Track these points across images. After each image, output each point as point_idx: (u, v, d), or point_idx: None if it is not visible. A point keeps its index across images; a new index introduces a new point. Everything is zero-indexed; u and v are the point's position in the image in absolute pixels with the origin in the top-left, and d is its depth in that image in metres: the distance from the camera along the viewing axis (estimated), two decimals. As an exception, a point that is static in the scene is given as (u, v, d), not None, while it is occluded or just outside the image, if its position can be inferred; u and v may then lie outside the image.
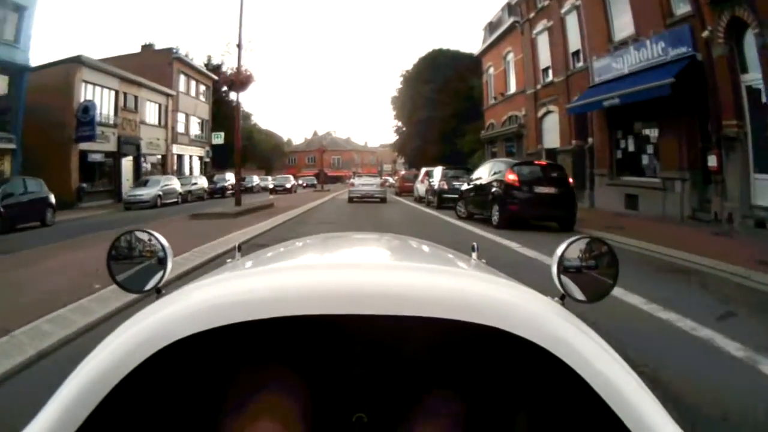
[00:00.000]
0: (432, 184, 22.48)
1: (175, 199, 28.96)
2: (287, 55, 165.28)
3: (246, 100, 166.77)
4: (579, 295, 1.12)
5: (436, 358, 1.06)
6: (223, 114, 51.37)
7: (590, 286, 1.14)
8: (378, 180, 30.02)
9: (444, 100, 38.01)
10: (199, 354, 0.94)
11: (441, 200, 20.63)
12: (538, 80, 23.98)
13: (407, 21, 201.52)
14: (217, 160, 48.26)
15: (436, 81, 38.95)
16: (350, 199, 25.67)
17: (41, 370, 3.76)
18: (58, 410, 0.77)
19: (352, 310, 0.84)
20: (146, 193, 26.55)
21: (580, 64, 20.33)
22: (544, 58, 23.28)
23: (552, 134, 22.69)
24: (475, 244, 1.88)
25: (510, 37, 27.05)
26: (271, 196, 33.14)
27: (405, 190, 33.46)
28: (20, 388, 3.40)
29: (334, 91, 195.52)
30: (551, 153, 22.45)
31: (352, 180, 32.10)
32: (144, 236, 1.24)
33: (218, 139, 47.78)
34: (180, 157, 42.31)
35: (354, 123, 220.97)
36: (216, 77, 50.03)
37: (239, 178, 21.46)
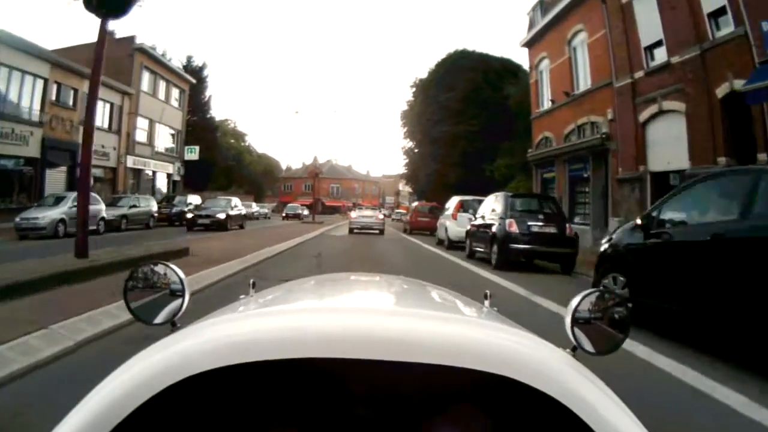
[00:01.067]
0: (480, 222, 13.71)
1: (94, 226, 20.31)
2: (291, 80, 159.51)
3: (239, 117, 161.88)
4: (589, 347, 1.12)
5: (443, 406, 1.01)
6: (202, 125, 43.46)
7: (601, 338, 1.14)
8: (377, 213, 28.85)
9: (469, 112, 29.91)
10: (208, 391, 0.92)
11: (506, 253, 11.51)
12: (638, 64, 15.76)
13: (417, 45, 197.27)
14: (193, 180, 40.18)
15: (458, 88, 30.91)
16: (350, 230, 25.55)
17: None
18: None
19: (365, 355, 0.85)
20: (43, 217, 18.12)
21: (730, 29, 12.23)
22: (649, 29, 15.15)
23: (671, 148, 14.29)
24: (487, 291, 1.84)
25: (581, 10, 18.99)
26: (208, 235, 20.16)
27: (418, 226, 26.14)
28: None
29: (337, 119, 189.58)
30: (663, 178, 14.16)
31: (351, 212, 31.01)
32: (161, 269, 1.25)
33: (192, 153, 39.90)
34: (138, 172, 34.10)
35: (357, 152, 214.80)
36: (195, 80, 43.19)
37: (83, 201, 9.01)
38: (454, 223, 17.23)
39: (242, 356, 0.84)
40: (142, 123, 34.54)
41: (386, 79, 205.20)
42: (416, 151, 38.55)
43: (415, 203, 29.33)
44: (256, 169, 66.19)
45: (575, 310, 1.14)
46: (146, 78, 35.33)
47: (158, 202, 28.11)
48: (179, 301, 1.22)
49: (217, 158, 49.58)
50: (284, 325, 0.94)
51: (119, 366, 0.90)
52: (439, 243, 19.05)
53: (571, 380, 0.85)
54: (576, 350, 1.11)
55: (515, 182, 25.39)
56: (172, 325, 1.15)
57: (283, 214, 54.02)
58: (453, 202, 18.52)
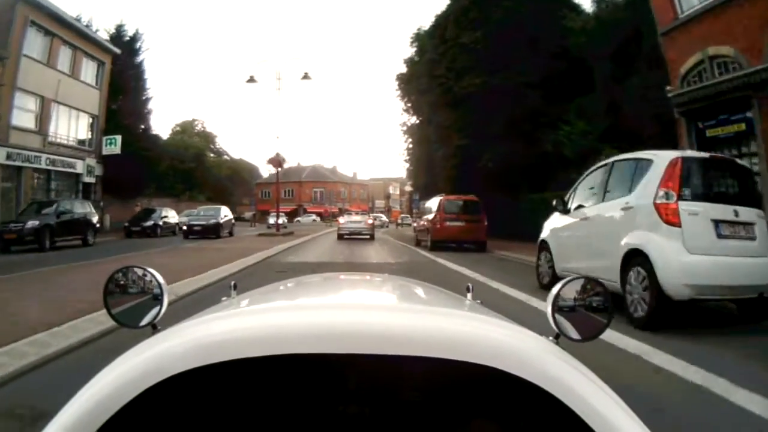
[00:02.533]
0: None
1: None
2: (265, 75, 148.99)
3: (208, 117, 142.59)
4: (573, 333, 1.13)
5: (430, 398, 1.01)
6: (127, 110, 32.39)
7: (584, 325, 1.14)
8: (366, 218, 27.92)
9: (513, 56, 19.03)
10: (193, 391, 0.91)
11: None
12: None
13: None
14: (122, 182, 29.27)
15: (492, 21, 19.86)
16: (339, 237, 24.31)
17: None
18: None
19: (347, 349, 0.85)
20: None
21: None
22: None
23: None
24: (469, 285, 1.82)
25: None
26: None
27: (448, 236, 16.24)
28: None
29: (321, 120, 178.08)
30: None
31: (339, 218, 29.65)
32: (140, 272, 1.25)
33: (112, 146, 28.90)
34: (17, 171, 23.11)
35: (342, 153, 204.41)
36: (119, 51, 32.21)
37: None
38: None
39: (222, 355, 0.84)
40: (24, 101, 23.63)
41: (375, 71, 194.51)
42: (418, 123, 27.60)
43: (438, 198, 17.85)
44: (222, 173, 55.09)
45: (556, 297, 1.14)
46: (36, 39, 24.49)
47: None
48: (159, 304, 1.21)
49: (162, 156, 38.66)
50: (262, 322, 0.95)
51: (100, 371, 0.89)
52: (544, 287, 8.31)
53: (554, 367, 0.86)
54: (559, 338, 1.11)
55: (604, 154, 13.91)
56: (153, 327, 1.15)
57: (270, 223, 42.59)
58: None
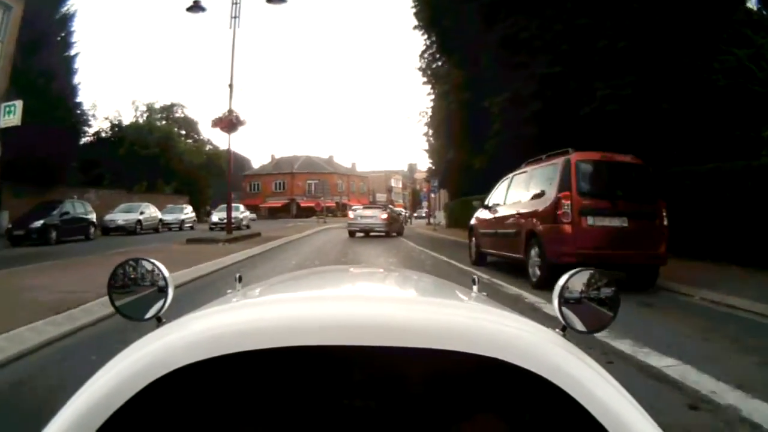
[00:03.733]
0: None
1: None
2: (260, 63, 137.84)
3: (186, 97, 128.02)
4: (580, 326, 1.12)
5: (436, 390, 1.01)
6: (42, 68, 23.68)
7: (591, 318, 1.14)
8: (379, 213, 22.51)
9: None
10: (198, 384, 0.92)
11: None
12: None
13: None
14: (27, 163, 20.79)
15: None
16: (351, 234, 21.56)
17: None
18: None
19: (353, 341, 0.85)
20: None
21: None
22: None
23: None
24: (475, 277, 1.73)
25: None
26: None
27: (579, 248, 7.27)
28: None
29: (316, 108, 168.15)
30: None
31: (349, 212, 25.70)
32: (146, 265, 1.23)
33: (9, 115, 20.26)
34: None
35: (338, 143, 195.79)
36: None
37: None
38: None
39: (228, 347, 0.83)
40: None
41: (376, 57, 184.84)
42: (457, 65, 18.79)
43: (555, 163, 7.90)
44: (195, 160, 46.39)
45: (563, 289, 1.13)
46: None
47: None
48: (164, 296, 1.20)
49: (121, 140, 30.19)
50: (266, 315, 0.95)
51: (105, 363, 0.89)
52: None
53: (562, 359, 0.85)
54: (566, 330, 1.10)
55: None
56: (158, 320, 1.14)
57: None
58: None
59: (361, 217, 21.79)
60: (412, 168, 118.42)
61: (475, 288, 1.66)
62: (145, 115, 47.09)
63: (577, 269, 1.15)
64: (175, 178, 41.62)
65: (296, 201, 72.32)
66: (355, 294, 1.40)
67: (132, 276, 1.23)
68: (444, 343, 0.84)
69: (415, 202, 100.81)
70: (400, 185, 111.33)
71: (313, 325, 0.87)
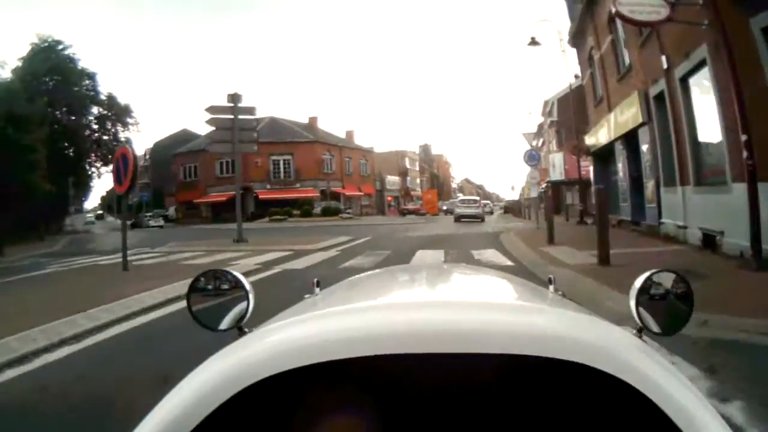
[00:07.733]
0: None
1: None
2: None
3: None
4: (655, 327, 1.12)
5: (515, 396, 1.04)
6: None
7: (665, 319, 1.14)
8: (477, 203, 35.38)
9: None
10: (282, 394, 0.96)
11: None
12: None
13: None
14: None
15: None
16: (456, 219, 33.10)
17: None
18: None
19: (436, 348, 0.86)
20: None
21: None
22: None
23: None
24: (551, 276, 1.83)
25: None
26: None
27: None
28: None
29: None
30: None
31: (456, 202, 38.57)
32: (225, 275, 1.26)
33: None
34: None
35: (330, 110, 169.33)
36: None
37: None
38: None
39: (310, 358, 0.85)
40: None
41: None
42: None
43: None
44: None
45: (639, 290, 1.13)
46: None
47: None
48: (243, 305, 1.21)
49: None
50: (351, 324, 0.94)
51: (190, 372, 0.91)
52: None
53: (640, 363, 0.86)
54: (642, 331, 1.10)
55: None
56: (239, 330, 1.16)
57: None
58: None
59: (464, 207, 34.43)
60: (425, 148, 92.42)
61: (551, 288, 1.69)
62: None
63: (653, 270, 1.15)
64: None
65: (253, 191, 44.33)
66: (436, 300, 1.36)
67: (211, 285, 1.24)
68: (527, 348, 0.85)
69: (438, 189, 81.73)
70: (418, 168, 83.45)
71: (394, 334, 0.88)
